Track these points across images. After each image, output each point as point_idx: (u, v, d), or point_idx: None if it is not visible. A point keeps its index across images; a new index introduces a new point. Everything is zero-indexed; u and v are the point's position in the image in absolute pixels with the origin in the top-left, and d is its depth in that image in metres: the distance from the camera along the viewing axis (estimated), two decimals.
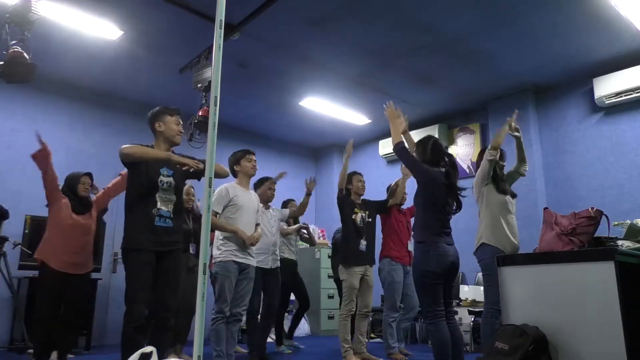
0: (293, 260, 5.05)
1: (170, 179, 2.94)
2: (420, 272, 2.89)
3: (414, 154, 3.15)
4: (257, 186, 4.43)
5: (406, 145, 3.18)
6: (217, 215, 3.55)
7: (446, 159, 3.08)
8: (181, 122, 3.23)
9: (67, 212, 3.83)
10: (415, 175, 3.08)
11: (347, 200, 4.45)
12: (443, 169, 3.03)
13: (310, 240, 5.57)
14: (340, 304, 4.39)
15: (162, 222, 2.84)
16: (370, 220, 4.48)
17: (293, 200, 5.54)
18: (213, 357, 3.44)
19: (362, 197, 4.60)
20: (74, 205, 3.89)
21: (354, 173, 4.59)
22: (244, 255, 3.57)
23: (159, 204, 2.84)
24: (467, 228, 6.20)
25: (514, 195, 3.62)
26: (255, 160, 3.85)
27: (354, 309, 4.20)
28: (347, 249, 4.29)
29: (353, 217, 4.35)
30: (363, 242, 4.30)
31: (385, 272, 4.52)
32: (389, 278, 4.47)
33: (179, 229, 3.03)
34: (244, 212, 3.63)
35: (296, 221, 5.38)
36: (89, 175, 4.09)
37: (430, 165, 3.04)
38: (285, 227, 5.00)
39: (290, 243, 5.07)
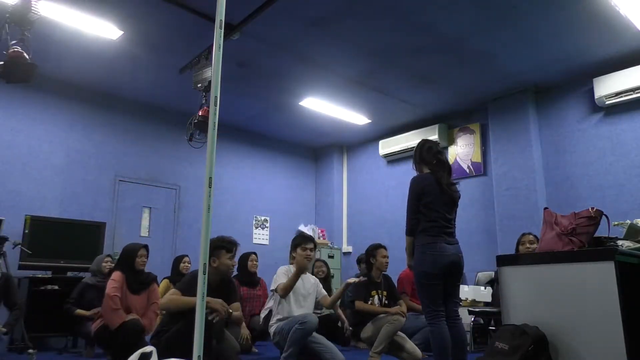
0: (328, 313, 4.88)
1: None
2: (417, 273, 2.90)
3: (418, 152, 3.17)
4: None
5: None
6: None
7: (437, 157, 3.09)
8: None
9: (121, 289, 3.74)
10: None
11: (365, 281, 4.19)
12: (431, 170, 3.05)
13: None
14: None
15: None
16: (387, 302, 4.24)
17: (320, 260, 5.51)
18: None
19: (384, 273, 4.36)
20: (131, 285, 3.78)
21: (379, 246, 4.29)
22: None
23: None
24: (467, 228, 6.23)
25: None
26: (310, 250, 3.89)
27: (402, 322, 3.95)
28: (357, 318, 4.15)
29: (369, 301, 4.16)
30: (376, 298, 4.18)
31: (410, 322, 4.47)
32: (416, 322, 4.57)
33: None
34: (293, 295, 3.78)
35: (326, 281, 5.28)
36: (146, 247, 4.00)
37: (425, 164, 3.09)
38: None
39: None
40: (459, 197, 3.11)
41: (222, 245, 3.42)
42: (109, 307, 3.65)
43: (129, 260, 3.88)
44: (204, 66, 4.89)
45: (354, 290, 4.18)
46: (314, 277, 4.12)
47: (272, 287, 3.83)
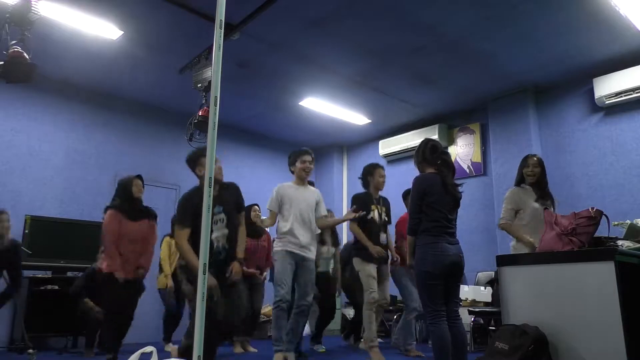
0: (324, 272, 5.02)
1: (222, 215, 3.13)
2: (418, 273, 2.91)
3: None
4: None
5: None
6: (270, 212, 3.96)
7: (443, 157, 3.09)
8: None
9: (118, 222, 3.80)
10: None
11: (364, 195, 4.34)
12: (436, 170, 3.05)
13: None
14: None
15: (216, 257, 3.04)
16: (387, 218, 4.41)
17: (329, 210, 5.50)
18: (272, 340, 3.81)
19: (380, 193, 4.48)
20: (128, 212, 3.83)
21: (377, 166, 4.42)
22: (299, 249, 3.83)
23: (214, 244, 3.05)
24: (467, 228, 6.23)
25: None
26: (308, 162, 4.04)
27: (377, 298, 4.12)
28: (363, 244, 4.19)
29: (370, 215, 4.24)
30: (383, 235, 4.27)
31: (399, 275, 4.51)
32: (404, 281, 4.48)
33: (233, 258, 3.18)
34: (294, 207, 3.90)
35: (333, 233, 5.31)
36: (140, 177, 4.05)
37: (428, 164, 3.08)
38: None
39: (322, 257, 5.01)
40: (461, 198, 3.12)
41: (203, 154, 3.27)
42: (109, 245, 3.79)
43: (125, 189, 3.91)
44: (204, 66, 4.89)
45: (353, 205, 4.25)
46: (315, 189, 4.18)
47: (267, 206, 3.98)
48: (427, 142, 3.16)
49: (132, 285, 3.82)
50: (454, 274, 2.93)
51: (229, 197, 3.22)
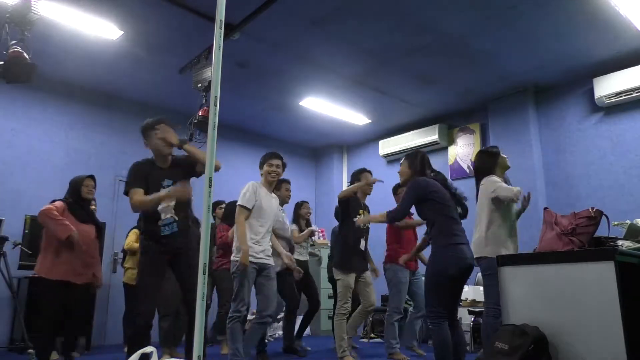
0: (303, 260, 5.05)
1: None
2: (436, 272, 2.91)
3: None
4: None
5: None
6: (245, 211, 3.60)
7: (436, 171, 3.21)
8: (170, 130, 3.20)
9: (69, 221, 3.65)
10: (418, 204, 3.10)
11: (353, 199, 4.37)
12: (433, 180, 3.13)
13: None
14: (334, 304, 4.38)
15: (169, 230, 2.98)
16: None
17: (306, 202, 5.51)
18: (229, 355, 3.47)
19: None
20: (77, 213, 3.72)
21: (364, 171, 4.44)
22: (261, 256, 3.59)
23: (162, 215, 2.97)
24: (467, 228, 6.21)
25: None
26: (276, 166, 3.79)
27: (350, 309, 4.15)
28: (346, 249, 4.23)
29: (357, 218, 4.25)
30: (362, 242, 4.28)
31: (392, 272, 4.49)
32: (395, 279, 4.42)
33: (187, 230, 3.11)
34: (264, 215, 3.68)
35: (308, 224, 5.34)
36: (92, 177, 3.94)
37: (418, 175, 3.15)
38: (296, 233, 4.96)
39: (300, 245, 5.06)
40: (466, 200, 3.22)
41: (157, 122, 3.16)
42: (49, 219, 3.54)
43: (75, 189, 3.79)
44: (204, 66, 4.89)
45: (349, 204, 4.32)
46: (275, 197, 3.98)
47: (240, 202, 3.64)
48: (417, 153, 3.27)
49: (78, 289, 3.62)
50: (466, 276, 2.96)
51: (178, 171, 3.13)
